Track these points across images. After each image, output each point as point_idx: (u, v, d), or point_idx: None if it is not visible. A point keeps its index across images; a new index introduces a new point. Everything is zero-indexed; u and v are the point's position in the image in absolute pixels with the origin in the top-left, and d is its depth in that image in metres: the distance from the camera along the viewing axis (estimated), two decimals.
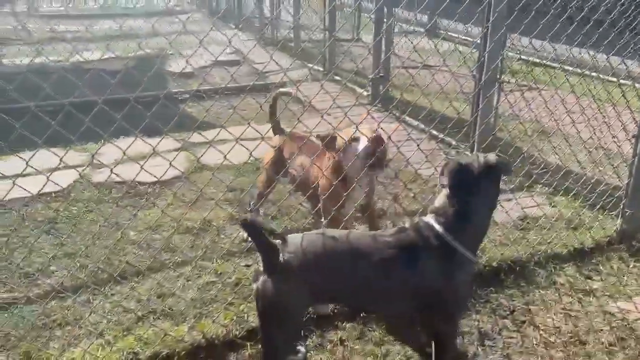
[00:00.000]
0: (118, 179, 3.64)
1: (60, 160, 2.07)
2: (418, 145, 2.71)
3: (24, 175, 2.01)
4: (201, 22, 11.84)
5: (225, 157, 2.29)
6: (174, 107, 5.92)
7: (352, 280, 1.96)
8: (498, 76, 4.22)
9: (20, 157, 1.97)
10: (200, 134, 2.53)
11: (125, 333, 2.41)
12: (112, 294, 2.73)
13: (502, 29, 3.64)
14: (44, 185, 2.07)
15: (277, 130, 3.25)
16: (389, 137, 2.67)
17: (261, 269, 1.92)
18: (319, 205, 2.75)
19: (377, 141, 2.63)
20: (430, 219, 2.03)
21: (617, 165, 3.70)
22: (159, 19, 9.34)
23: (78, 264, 2.96)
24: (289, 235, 1.98)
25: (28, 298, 2.68)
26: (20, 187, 1.99)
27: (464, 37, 7.57)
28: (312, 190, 2.82)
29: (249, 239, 3.14)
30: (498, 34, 3.91)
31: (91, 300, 2.68)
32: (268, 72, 7.42)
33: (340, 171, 2.64)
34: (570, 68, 5.28)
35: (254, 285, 1.92)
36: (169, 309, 2.60)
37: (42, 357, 2.27)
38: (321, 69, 7.34)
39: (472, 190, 2.00)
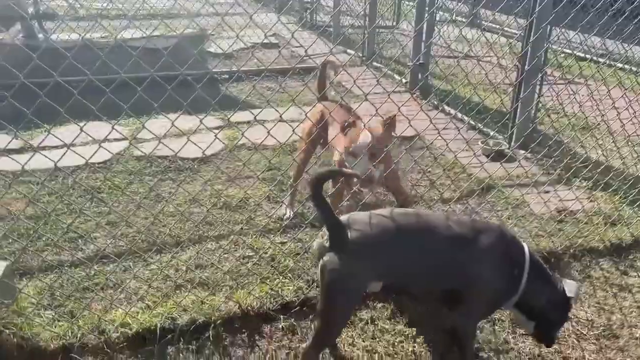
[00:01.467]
0: (159, 153, 3.78)
1: (113, 128, 2.15)
2: (459, 130, 2.71)
3: (70, 146, 2.10)
4: (242, 4, 11.91)
5: (269, 133, 2.31)
6: (214, 87, 6.01)
7: (416, 261, 1.98)
8: (541, 68, 4.15)
9: (77, 124, 2.06)
10: (251, 112, 2.55)
11: (164, 299, 2.50)
12: (152, 262, 2.83)
13: (547, 21, 3.59)
14: (95, 152, 2.16)
15: (323, 98, 3.30)
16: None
17: (325, 244, 1.94)
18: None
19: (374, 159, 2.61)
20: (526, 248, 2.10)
21: None
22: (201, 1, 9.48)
23: (120, 232, 3.07)
24: (353, 213, 2.02)
25: (73, 261, 2.81)
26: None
27: (505, 29, 7.42)
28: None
29: (286, 217, 3.23)
30: (542, 25, 3.86)
31: (132, 267, 2.78)
32: (307, 56, 7.44)
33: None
34: (616, 63, 5.14)
35: (320, 261, 1.95)
36: (206, 279, 2.68)
37: (86, 316, 2.37)
38: (359, 55, 7.31)
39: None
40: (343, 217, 1.97)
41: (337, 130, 2.81)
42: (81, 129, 2.03)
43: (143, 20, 9.47)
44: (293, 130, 2.45)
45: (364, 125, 2.61)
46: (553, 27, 4.20)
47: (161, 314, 2.39)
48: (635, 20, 3.23)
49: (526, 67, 4.08)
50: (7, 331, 2.16)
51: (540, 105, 4.76)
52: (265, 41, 8.02)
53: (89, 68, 1.99)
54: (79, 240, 3.00)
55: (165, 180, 3.72)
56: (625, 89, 3.24)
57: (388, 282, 2.33)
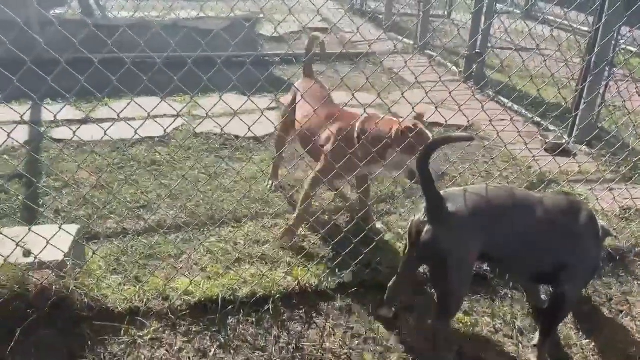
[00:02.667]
0: (215, 130, 3.82)
1: (184, 101, 2.18)
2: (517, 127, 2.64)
3: (129, 120, 2.15)
4: None
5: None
6: (265, 69, 6.04)
7: (515, 233, 2.01)
8: (608, 67, 4.02)
9: (134, 102, 2.11)
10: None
11: (225, 271, 2.55)
12: (211, 235, 2.88)
13: (618, 22, 3.47)
14: (171, 124, 2.20)
15: (307, 72, 3.25)
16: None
17: (423, 219, 1.97)
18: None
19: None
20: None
21: None
22: None
23: (179, 204, 3.14)
24: (449, 189, 2.05)
25: (136, 230, 2.88)
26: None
27: (565, 22, 7.19)
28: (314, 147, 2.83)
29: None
30: (613, 27, 3.74)
31: (192, 239, 2.84)
32: (357, 42, 7.39)
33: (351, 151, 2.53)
34: None
35: (421, 237, 1.97)
36: (265, 255, 2.71)
37: (150, 282, 2.44)
38: (411, 42, 7.22)
39: None
40: (442, 192, 1.99)
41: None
42: (140, 106, 2.07)
43: (197, 0, 9.58)
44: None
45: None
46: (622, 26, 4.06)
47: (223, 285, 2.43)
48: None
49: (592, 60, 3.96)
50: (79, 291, 2.24)
51: (604, 102, 4.61)
52: (315, 26, 8.05)
53: (143, 46, 2.05)
54: (142, 210, 3.08)
55: (221, 157, 3.77)
56: None
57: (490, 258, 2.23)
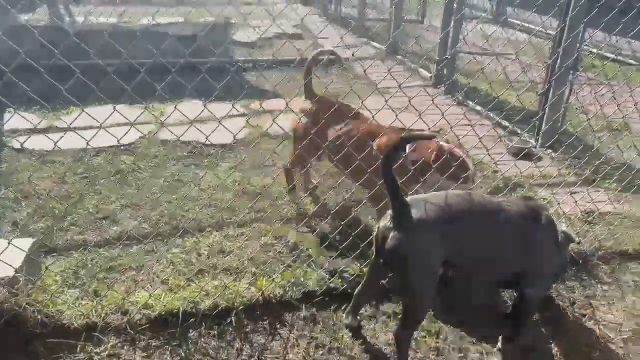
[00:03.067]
0: (183, 139, 3.77)
1: (149, 108, 2.14)
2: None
3: (94, 128, 2.09)
4: None
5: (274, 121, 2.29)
6: (239, 75, 6.00)
7: (478, 240, 2.00)
8: (572, 70, 4.07)
9: (110, 105, 2.05)
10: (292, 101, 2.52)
11: (187, 283, 2.50)
12: (174, 246, 2.82)
13: (581, 25, 3.51)
14: (125, 134, 2.15)
15: (309, 93, 3.09)
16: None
17: (389, 225, 1.95)
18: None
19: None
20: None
21: None
22: None
23: (143, 215, 3.07)
24: (414, 196, 2.04)
25: (97, 242, 2.81)
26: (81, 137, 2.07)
27: (535, 27, 7.28)
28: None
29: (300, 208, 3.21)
30: (576, 30, 3.78)
31: (155, 250, 2.78)
32: (331, 47, 7.39)
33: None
34: None
35: (386, 244, 1.95)
36: (229, 265, 2.67)
37: (109, 296, 2.37)
38: (383, 47, 7.25)
39: None
40: (407, 199, 1.98)
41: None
42: (114, 109, 2.02)
43: (169, 6, 9.50)
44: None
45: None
46: (586, 29, 4.12)
47: (184, 297, 2.38)
48: None
49: (557, 64, 4.01)
50: (32, 308, 2.17)
51: (568, 104, 4.67)
52: (289, 31, 8.03)
53: (113, 52, 2.00)
54: (104, 221, 3.01)
55: (188, 165, 3.71)
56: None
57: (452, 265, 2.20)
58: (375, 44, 7.52)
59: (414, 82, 5.93)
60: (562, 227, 2.13)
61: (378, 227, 2.04)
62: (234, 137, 2.41)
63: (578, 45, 4.06)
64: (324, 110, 2.71)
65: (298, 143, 3.03)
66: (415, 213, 1.92)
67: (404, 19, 7.99)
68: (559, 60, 4.02)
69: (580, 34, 4.01)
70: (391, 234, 1.93)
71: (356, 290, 2.36)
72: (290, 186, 3.36)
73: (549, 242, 2.08)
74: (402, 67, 6.57)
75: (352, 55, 3.39)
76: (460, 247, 1.97)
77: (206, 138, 2.27)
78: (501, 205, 2.07)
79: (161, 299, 2.35)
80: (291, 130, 3.16)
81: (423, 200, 1.97)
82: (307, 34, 8.13)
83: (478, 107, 5.05)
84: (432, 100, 2.46)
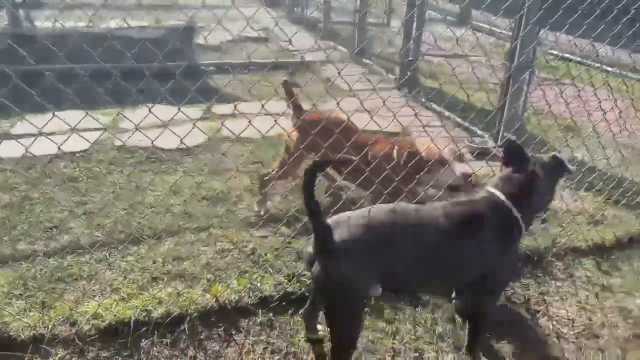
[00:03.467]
0: (141, 144, 3.70)
1: (106, 113, 2.08)
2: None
3: (49, 134, 2.03)
4: None
5: (250, 123, 2.27)
6: (200, 79, 5.93)
7: (412, 255, 1.87)
8: (529, 67, 4.14)
9: (54, 115, 1.99)
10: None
11: (140, 291, 2.44)
12: (128, 254, 2.76)
13: (533, 19, 3.58)
14: (65, 141, 2.09)
15: (299, 112, 3.07)
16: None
17: (310, 250, 1.84)
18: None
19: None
20: (494, 189, 2.01)
21: None
22: None
23: (96, 222, 3.00)
24: (338, 215, 1.89)
25: (47, 251, 2.73)
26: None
27: (495, 29, 7.42)
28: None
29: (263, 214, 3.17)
30: (529, 25, 3.85)
31: (107, 258, 2.71)
32: (295, 51, 7.37)
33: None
34: (602, 65, 5.16)
35: (312, 271, 1.84)
36: (184, 272, 2.62)
37: (57, 307, 2.30)
38: (346, 50, 7.27)
39: (532, 172, 2.01)
40: (329, 220, 1.86)
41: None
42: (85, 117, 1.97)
43: (133, 10, 9.36)
44: (277, 122, 2.40)
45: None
46: (542, 28, 4.20)
47: (136, 306, 2.32)
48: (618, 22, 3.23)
49: (514, 64, 4.07)
50: None
51: (527, 105, 4.76)
52: (254, 35, 8.00)
53: (71, 57, 1.94)
54: (54, 230, 2.93)
55: (145, 171, 3.65)
56: (596, 89, 3.21)
57: (391, 285, 2.15)
58: (341, 47, 7.54)
59: (379, 86, 5.96)
60: (515, 215, 1.96)
61: (305, 252, 1.91)
62: (181, 140, 2.35)
63: (532, 45, 4.13)
64: (315, 125, 2.73)
65: (289, 157, 3.01)
66: (338, 237, 1.78)
67: (370, 23, 8.05)
68: (515, 58, 4.08)
69: (536, 33, 4.08)
70: (315, 262, 1.82)
71: (303, 311, 2.31)
72: (262, 197, 3.27)
73: (501, 242, 1.96)
74: (367, 71, 6.59)
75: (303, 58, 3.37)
76: (394, 266, 1.85)
77: (152, 142, 2.22)
78: (443, 212, 1.94)
79: (112, 309, 2.29)
80: (283, 144, 3.16)
81: (347, 221, 1.83)
82: (273, 38, 8.11)
83: (440, 109, 5.10)
84: (384, 102, 2.46)
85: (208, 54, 7.07)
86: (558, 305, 2.62)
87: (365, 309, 2.40)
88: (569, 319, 2.53)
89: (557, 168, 2.05)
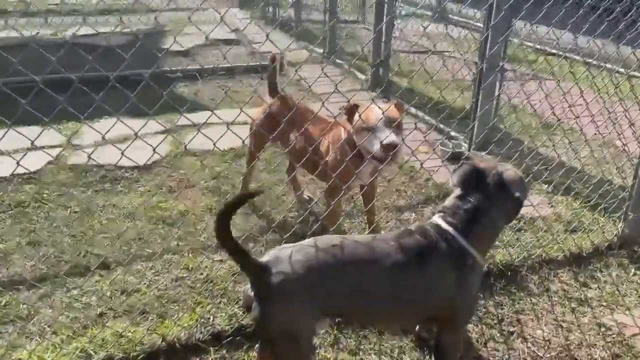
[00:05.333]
0: (95, 162, 3.48)
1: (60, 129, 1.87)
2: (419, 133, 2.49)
3: None
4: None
5: (214, 143, 2.08)
6: (166, 86, 5.71)
7: (360, 292, 1.73)
8: (500, 63, 3.97)
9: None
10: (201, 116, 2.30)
11: (81, 332, 2.25)
12: (73, 288, 2.56)
13: (502, 12, 3.40)
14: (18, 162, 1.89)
15: (273, 91, 3.09)
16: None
17: (250, 292, 1.68)
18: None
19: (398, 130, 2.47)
20: (439, 220, 1.88)
21: (622, 164, 3.46)
22: None
23: (42, 253, 2.79)
24: (276, 251, 1.73)
25: None
26: None
27: (473, 23, 7.26)
28: (318, 164, 2.73)
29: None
30: (501, 13, 3.68)
31: (50, 294, 2.51)
32: (267, 53, 7.16)
33: (353, 148, 2.53)
34: (578, 57, 5.01)
35: (251, 314, 1.69)
36: (132, 307, 2.43)
37: None
38: (321, 51, 7.07)
39: (482, 197, 1.86)
40: (265, 257, 1.70)
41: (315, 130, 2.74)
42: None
43: (98, 16, 9.08)
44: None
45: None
46: (515, 18, 4.03)
47: (74, 349, 2.12)
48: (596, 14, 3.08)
49: (484, 62, 3.90)
50: None
51: (502, 103, 4.61)
52: (224, 37, 7.78)
53: (33, 68, 1.74)
54: None
55: (99, 192, 3.43)
56: (582, 90, 3.05)
57: (345, 319, 2.08)
58: (313, 47, 7.35)
59: (350, 87, 5.78)
60: (470, 251, 1.83)
61: (244, 294, 1.75)
62: (138, 163, 2.15)
63: (503, 36, 3.95)
64: (283, 107, 2.85)
65: (252, 136, 3.12)
66: (275, 276, 1.63)
67: (342, 20, 7.85)
68: (486, 53, 3.91)
69: (507, 24, 3.89)
70: (253, 305, 1.66)
71: (258, 346, 2.12)
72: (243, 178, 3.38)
73: (453, 278, 1.81)
74: (338, 71, 6.41)
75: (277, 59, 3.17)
76: (339, 303, 1.72)
77: (113, 161, 2.01)
78: (388, 245, 1.79)
79: (45, 356, 2.09)
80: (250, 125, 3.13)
81: (286, 257, 1.67)
82: (245, 40, 7.89)
83: (412, 110, 4.93)
84: (342, 109, 2.28)
85: (176, 60, 6.83)
86: (533, 325, 2.46)
87: (316, 347, 2.23)
88: (545, 340, 2.37)
89: (511, 188, 1.88)
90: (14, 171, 2.58)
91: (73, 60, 1.85)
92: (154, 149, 2.07)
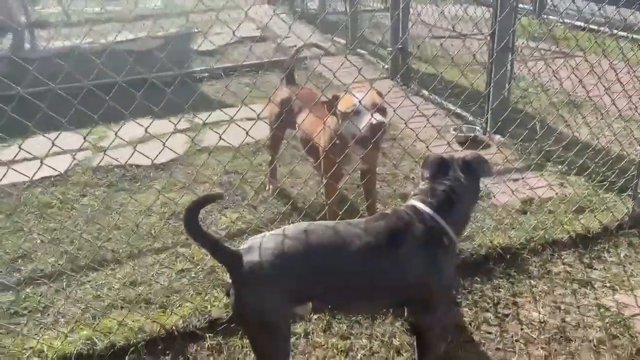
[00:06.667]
0: (117, 163, 3.67)
1: (84, 138, 2.04)
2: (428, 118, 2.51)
3: (28, 160, 2.03)
4: None
5: (220, 137, 2.25)
6: (191, 87, 5.90)
7: (331, 276, 1.79)
8: (511, 42, 3.87)
9: (46, 137, 2.01)
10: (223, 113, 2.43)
11: (92, 321, 2.41)
12: (87, 281, 2.74)
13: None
14: (38, 169, 2.07)
15: (289, 82, 3.31)
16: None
17: (228, 280, 1.77)
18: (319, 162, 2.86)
19: (380, 114, 2.50)
20: (415, 202, 1.93)
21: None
22: None
23: (62, 249, 2.99)
24: (252, 238, 1.82)
25: (9, 284, 2.73)
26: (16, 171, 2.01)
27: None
28: (314, 148, 2.86)
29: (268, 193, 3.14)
30: None
31: (65, 287, 2.69)
32: (292, 47, 7.21)
33: (340, 137, 2.59)
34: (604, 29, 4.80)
35: (229, 302, 1.79)
36: (139, 297, 2.57)
37: (6, 345, 2.29)
38: (343, 41, 7.08)
39: (453, 180, 1.92)
40: (242, 247, 1.78)
41: (312, 115, 2.76)
42: (53, 142, 2.00)
43: (134, 21, 9.41)
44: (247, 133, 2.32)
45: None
46: None
47: (81, 338, 2.28)
48: None
49: (496, 40, 3.81)
50: None
51: (517, 82, 4.50)
52: (251, 35, 7.91)
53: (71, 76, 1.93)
54: (19, 261, 2.93)
55: (118, 191, 3.62)
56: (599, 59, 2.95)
57: (319, 303, 2.14)
58: (337, 39, 7.36)
59: (370, 76, 5.77)
60: (446, 230, 1.86)
61: (226, 282, 1.82)
62: (152, 159, 2.30)
63: (514, 13, 3.84)
64: (299, 94, 2.91)
65: (272, 125, 3.27)
66: (247, 264, 1.70)
67: (366, 9, 7.81)
68: (497, 32, 3.82)
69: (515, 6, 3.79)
70: (230, 291, 1.74)
71: None
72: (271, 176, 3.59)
73: (430, 257, 1.84)
74: (361, 61, 6.41)
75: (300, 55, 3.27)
76: (312, 288, 1.77)
77: (125, 162, 2.15)
78: (362, 227, 1.84)
79: (53, 344, 2.25)
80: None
81: (258, 244, 1.74)
82: (272, 35, 8.00)
83: (432, 96, 4.88)
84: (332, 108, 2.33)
85: (204, 59, 7.02)
86: (530, 307, 2.44)
87: (292, 334, 2.28)
88: (540, 322, 2.35)
89: (477, 171, 1.93)
90: (35, 172, 2.76)
91: (108, 66, 2.01)
92: (163, 144, 2.18)
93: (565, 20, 6.47)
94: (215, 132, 2.32)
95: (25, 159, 2.23)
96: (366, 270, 1.80)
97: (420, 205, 1.89)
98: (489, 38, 4.07)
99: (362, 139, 2.46)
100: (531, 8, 7.57)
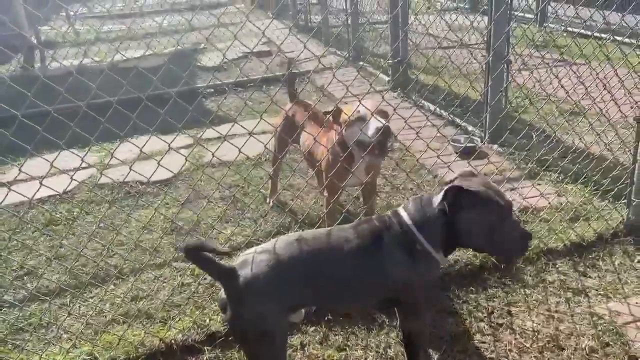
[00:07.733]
0: (122, 179, 3.75)
1: (82, 159, 2.15)
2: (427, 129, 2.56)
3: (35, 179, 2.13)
4: (238, 13, 11.79)
5: (212, 153, 2.26)
6: (196, 102, 6.01)
7: (322, 279, 1.87)
8: (506, 51, 3.92)
9: (45, 160, 2.09)
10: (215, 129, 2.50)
11: (93, 336, 2.47)
12: (90, 296, 2.80)
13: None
14: (38, 189, 2.13)
15: (293, 97, 3.39)
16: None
17: (223, 296, 1.82)
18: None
19: (384, 119, 2.58)
20: (400, 209, 2.00)
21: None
22: (197, 13, 9.54)
23: (66, 267, 3.06)
24: (243, 255, 1.88)
25: (13, 301, 2.81)
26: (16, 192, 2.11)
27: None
28: (317, 163, 2.92)
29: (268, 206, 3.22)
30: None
31: (69, 303, 2.76)
32: (299, 61, 7.30)
33: (344, 148, 2.65)
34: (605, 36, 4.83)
35: (225, 319, 1.84)
36: (139, 312, 2.63)
37: None
38: (345, 55, 7.16)
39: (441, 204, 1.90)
40: (235, 262, 1.85)
41: (315, 129, 2.87)
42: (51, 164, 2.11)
43: (140, 40, 9.57)
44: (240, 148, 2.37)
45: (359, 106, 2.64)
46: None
47: (79, 354, 2.34)
48: None
49: (491, 49, 3.85)
50: None
51: (515, 92, 4.54)
52: (256, 50, 8.02)
53: (77, 95, 2.09)
54: (25, 278, 3.01)
55: (123, 207, 3.70)
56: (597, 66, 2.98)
57: (309, 307, 2.23)
58: (339, 52, 7.45)
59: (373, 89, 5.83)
60: (422, 241, 1.89)
61: (220, 298, 1.87)
62: (148, 177, 2.37)
63: (508, 21, 3.88)
64: (299, 111, 3.12)
65: (275, 140, 3.37)
66: (242, 279, 1.76)
67: (369, 22, 7.89)
68: (491, 40, 3.86)
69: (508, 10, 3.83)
70: (227, 308, 1.79)
71: None
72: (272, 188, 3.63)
73: (405, 265, 1.88)
74: (362, 74, 6.48)
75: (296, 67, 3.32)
76: (305, 294, 1.85)
77: (124, 178, 2.22)
78: (345, 234, 1.93)
79: (57, 359, 2.32)
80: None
81: (251, 258, 1.81)
82: (276, 50, 8.10)
83: (432, 107, 4.93)
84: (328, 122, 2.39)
85: (209, 75, 7.12)
86: (524, 316, 2.46)
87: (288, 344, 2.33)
88: (534, 331, 2.37)
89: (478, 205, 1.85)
90: (37, 191, 2.83)
91: (109, 85, 2.09)
92: (159, 162, 2.27)
93: (568, 29, 6.52)
94: (232, 143, 2.41)
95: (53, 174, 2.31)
96: (352, 270, 1.89)
97: (401, 211, 1.97)
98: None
99: (370, 143, 2.51)
100: (532, 17, 7.60)
